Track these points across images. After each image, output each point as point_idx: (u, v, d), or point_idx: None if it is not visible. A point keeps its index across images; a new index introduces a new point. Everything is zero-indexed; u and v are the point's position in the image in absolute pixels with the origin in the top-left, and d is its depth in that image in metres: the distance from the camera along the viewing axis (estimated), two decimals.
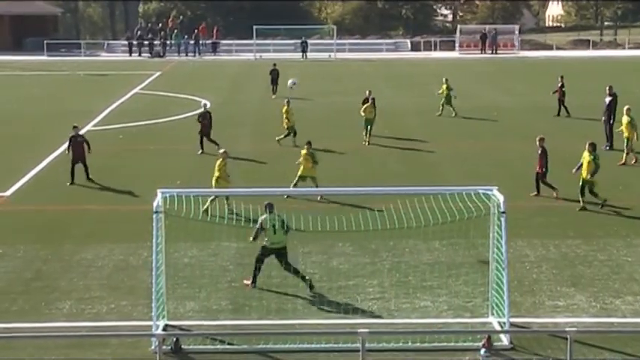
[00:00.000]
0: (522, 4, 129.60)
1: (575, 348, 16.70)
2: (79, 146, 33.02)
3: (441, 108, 49.39)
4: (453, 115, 48.69)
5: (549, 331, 19.75)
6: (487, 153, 38.38)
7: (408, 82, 64.60)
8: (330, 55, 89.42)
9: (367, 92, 43.56)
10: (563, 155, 33.90)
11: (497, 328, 19.78)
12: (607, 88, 40.08)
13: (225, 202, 28.29)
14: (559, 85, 48.94)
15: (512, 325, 19.45)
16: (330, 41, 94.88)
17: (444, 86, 49.88)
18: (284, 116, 40.42)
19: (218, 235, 25.59)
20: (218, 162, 29.13)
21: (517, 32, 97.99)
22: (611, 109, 39.01)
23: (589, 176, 29.10)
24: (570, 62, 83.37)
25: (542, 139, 30.56)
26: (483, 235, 21.58)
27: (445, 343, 18.77)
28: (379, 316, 20.70)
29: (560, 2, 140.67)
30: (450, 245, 25.28)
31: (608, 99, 39.46)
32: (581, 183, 29.30)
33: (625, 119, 36.32)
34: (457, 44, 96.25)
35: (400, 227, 22.95)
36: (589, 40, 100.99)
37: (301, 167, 31.03)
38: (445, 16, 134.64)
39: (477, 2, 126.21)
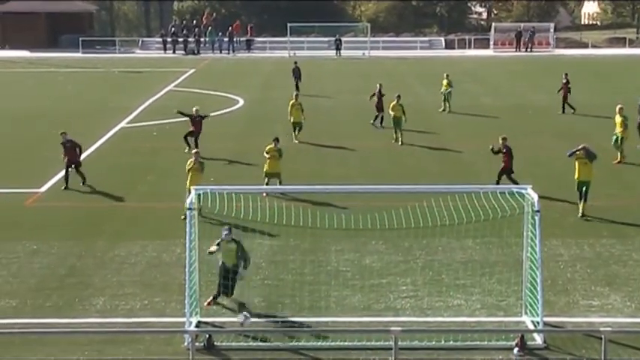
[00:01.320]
0: (558, 2, 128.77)
1: (610, 348, 16.58)
2: (69, 151, 32.58)
3: (443, 104, 49.54)
4: (447, 111, 48.90)
5: (583, 330, 19.62)
6: (521, 151, 38.10)
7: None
8: (363, 53, 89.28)
9: (378, 85, 44.40)
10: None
11: (531, 327, 19.68)
12: None
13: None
14: (563, 82, 48.96)
15: (545, 324, 19.33)
16: (364, 39, 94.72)
17: (445, 82, 50.08)
18: (290, 110, 40.68)
19: (251, 233, 25.62)
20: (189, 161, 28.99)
21: (552, 30, 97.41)
22: None
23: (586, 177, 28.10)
24: (606, 60, 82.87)
25: (505, 139, 30.93)
26: (517, 234, 21.47)
27: (478, 342, 18.71)
28: (412, 315, 20.65)
29: (596, 0, 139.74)
30: (484, 244, 25.17)
31: None
32: (577, 187, 28.29)
33: (618, 119, 36.02)
34: (492, 42, 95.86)
35: (434, 225, 22.87)
36: (625, 38, 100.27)
37: (268, 163, 30.97)
38: (480, 13, 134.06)
39: (513, 0, 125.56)
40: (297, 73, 58.34)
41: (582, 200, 28.25)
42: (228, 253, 20.85)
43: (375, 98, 44.91)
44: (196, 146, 37.13)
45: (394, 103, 40.74)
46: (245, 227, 25.15)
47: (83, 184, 32.56)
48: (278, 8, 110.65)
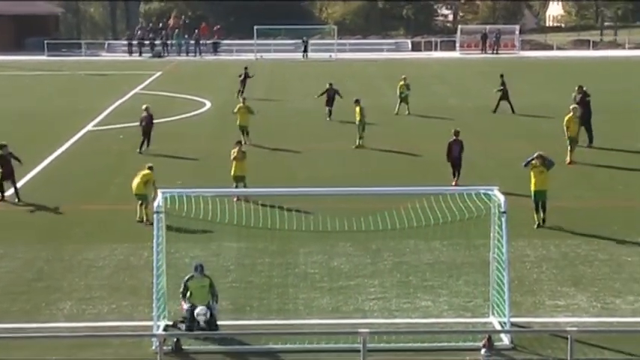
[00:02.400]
0: (523, 4, 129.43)
1: (576, 347, 16.70)
2: (6, 164, 31.17)
3: (397, 107, 49.46)
4: (407, 113, 48.96)
5: (550, 330, 19.78)
6: (488, 153, 38.36)
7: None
8: (330, 55, 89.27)
9: (328, 85, 45.38)
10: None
11: (498, 327, 19.79)
12: (576, 87, 40.76)
13: (143, 206, 28.10)
14: (500, 83, 50.19)
15: (512, 324, 19.45)
16: (331, 41, 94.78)
17: (401, 83, 50.13)
18: (238, 113, 40.73)
19: (220, 236, 25.60)
20: (146, 172, 28.41)
21: (518, 32, 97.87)
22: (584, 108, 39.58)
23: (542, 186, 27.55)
24: (571, 62, 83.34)
25: (457, 132, 32.54)
26: (484, 235, 21.57)
27: (446, 343, 18.78)
28: (380, 316, 20.72)
29: (560, 2, 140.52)
30: (451, 245, 25.29)
31: (578, 97, 40.06)
32: (533, 197, 27.69)
33: (572, 118, 36.24)
34: (458, 44, 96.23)
35: (401, 227, 22.95)
36: (589, 40, 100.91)
37: (234, 166, 30.75)
38: (446, 16, 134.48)
39: (478, 2, 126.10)
40: (243, 80, 55.52)
41: (541, 211, 27.67)
42: (200, 289, 19.79)
43: (325, 96, 47.13)
44: (148, 144, 37.54)
45: (358, 107, 40.30)
46: (213, 230, 25.13)
47: (18, 198, 31.17)
48: (245, 10, 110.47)
